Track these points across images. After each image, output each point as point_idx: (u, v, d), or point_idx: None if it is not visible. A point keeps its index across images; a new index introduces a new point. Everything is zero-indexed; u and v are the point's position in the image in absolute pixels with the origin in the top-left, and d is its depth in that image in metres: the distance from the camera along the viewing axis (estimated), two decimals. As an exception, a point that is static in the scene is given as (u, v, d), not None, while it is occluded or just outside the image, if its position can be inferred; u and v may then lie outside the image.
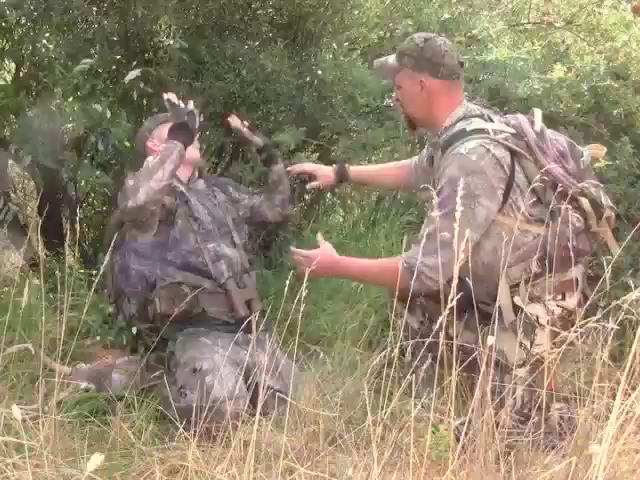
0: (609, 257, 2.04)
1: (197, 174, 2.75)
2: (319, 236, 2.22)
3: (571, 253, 2.03)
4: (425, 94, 2.21)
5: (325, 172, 2.68)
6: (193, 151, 2.62)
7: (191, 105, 2.54)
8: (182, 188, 2.59)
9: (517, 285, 2.12)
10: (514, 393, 1.99)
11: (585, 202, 2.12)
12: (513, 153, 2.11)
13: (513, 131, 2.15)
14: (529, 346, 2.09)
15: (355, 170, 2.71)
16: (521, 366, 2.07)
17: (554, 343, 2.03)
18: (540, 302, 2.11)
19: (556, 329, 2.06)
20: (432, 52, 2.19)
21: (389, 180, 2.74)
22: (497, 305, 2.04)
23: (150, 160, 2.44)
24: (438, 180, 2.14)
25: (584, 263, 2.22)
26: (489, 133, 2.11)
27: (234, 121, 2.81)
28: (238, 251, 2.59)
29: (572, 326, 1.96)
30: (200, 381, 2.19)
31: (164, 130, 2.57)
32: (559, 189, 2.08)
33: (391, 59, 2.29)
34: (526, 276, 2.08)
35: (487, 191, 2.07)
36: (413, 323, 2.30)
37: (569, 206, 2.07)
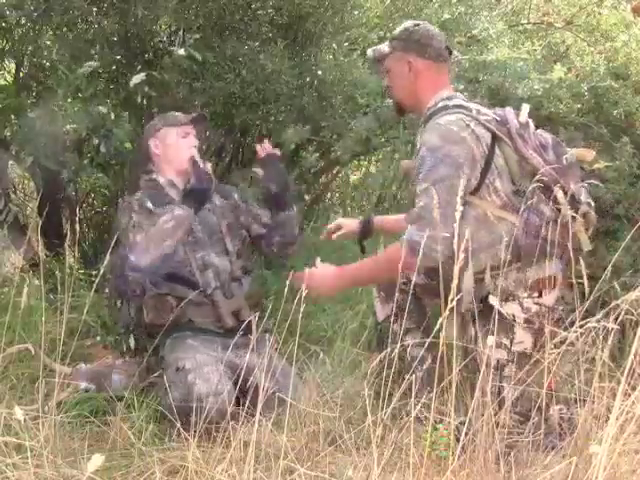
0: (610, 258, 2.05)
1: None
2: (318, 261, 2.25)
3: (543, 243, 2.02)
4: (412, 75, 2.25)
5: (351, 226, 2.68)
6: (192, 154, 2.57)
7: (208, 167, 2.53)
8: (175, 197, 2.51)
9: (483, 271, 2.09)
10: (500, 393, 2.00)
11: (560, 194, 2.08)
12: (493, 136, 2.11)
13: (498, 118, 2.16)
14: (509, 345, 2.09)
15: (378, 220, 2.70)
16: (505, 365, 2.08)
17: (554, 344, 2.03)
18: (515, 300, 2.11)
19: (536, 325, 2.07)
20: (420, 34, 2.26)
21: None
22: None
23: (163, 222, 2.36)
24: (418, 151, 2.15)
25: (564, 261, 2.16)
26: (471, 110, 2.14)
27: (262, 149, 2.69)
28: (230, 258, 2.53)
29: (553, 323, 1.98)
30: (183, 379, 2.20)
31: (171, 134, 2.54)
32: (538, 176, 2.04)
33: (383, 45, 2.34)
34: (494, 263, 2.07)
35: (469, 161, 2.06)
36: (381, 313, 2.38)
37: (543, 196, 2.08)
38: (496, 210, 2.09)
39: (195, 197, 2.45)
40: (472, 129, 2.09)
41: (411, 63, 2.24)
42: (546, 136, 2.23)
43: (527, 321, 2.09)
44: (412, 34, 2.26)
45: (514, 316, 2.10)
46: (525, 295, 2.11)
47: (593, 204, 2.18)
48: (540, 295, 2.12)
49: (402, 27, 2.32)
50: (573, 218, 2.08)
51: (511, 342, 2.09)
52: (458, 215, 1.72)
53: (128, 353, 2.55)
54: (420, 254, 1.87)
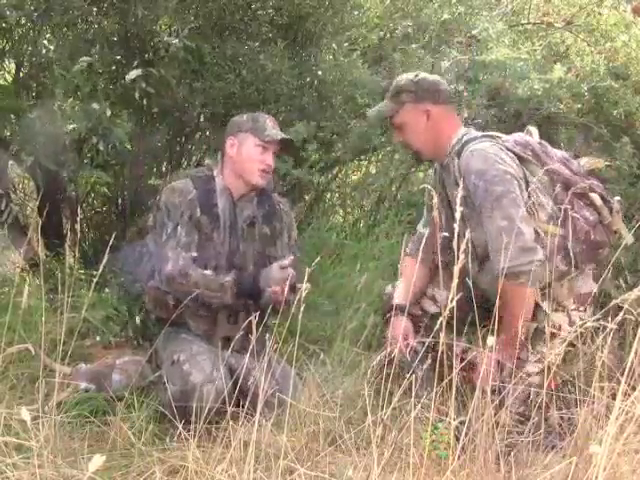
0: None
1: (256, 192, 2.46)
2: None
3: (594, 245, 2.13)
4: (431, 122, 2.28)
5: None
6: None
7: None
8: (220, 210, 2.38)
9: (545, 288, 2.13)
10: (524, 398, 2.01)
11: (595, 197, 2.19)
12: (520, 159, 2.19)
13: (516, 141, 2.24)
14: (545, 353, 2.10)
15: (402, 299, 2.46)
16: (537, 373, 2.09)
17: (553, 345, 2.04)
18: (564, 311, 2.14)
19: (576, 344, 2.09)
20: (427, 82, 2.29)
21: (426, 276, 2.49)
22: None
23: (207, 282, 2.26)
24: (462, 180, 2.12)
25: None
26: (497, 139, 2.22)
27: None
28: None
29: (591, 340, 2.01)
30: (179, 371, 2.21)
31: (249, 143, 2.38)
32: (564, 180, 2.16)
33: (386, 103, 2.35)
34: (555, 275, 2.10)
35: (517, 176, 2.13)
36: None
37: (580, 202, 2.17)
38: (543, 225, 2.13)
39: (244, 296, 2.31)
40: (505, 152, 2.16)
41: (429, 111, 2.27)
42: (560, 151, 2.32)
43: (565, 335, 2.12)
44: (419, 84, 2.28)
45: (560, 327, 2.12)
46: (573, 307, 2.16)
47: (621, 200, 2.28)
48: (585, 310, 2.19)
49: (403, 79, 2.32)
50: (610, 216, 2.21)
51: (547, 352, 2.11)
52: (463, 246, 1.70)
53: (134, 336, 2.56)
54: (530, 274, 1.98)
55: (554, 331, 2.12)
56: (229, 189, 2.42)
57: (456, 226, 1.74)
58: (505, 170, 2.10)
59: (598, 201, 2.19)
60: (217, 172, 2.44)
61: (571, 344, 2.07)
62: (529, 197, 2.13)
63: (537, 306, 2.14)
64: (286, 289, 2.18)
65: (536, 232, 2.11)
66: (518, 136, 2.28)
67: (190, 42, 2.87)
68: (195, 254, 2.31)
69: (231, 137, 2.41)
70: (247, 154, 2.38)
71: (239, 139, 2.39)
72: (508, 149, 2.19)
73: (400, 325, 2.33)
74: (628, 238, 2.21)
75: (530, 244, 2.05)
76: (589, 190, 2.19)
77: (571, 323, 2.14)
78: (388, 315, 2.40)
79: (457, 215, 1.72)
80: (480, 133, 2.28)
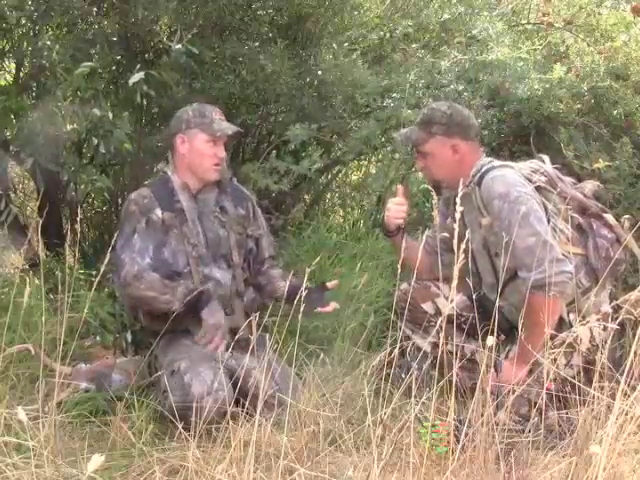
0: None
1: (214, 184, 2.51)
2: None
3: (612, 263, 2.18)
4: (458, 157, 2.32)
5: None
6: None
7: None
8: (184, 204, 2.42)
9: (571, 303, 2.22)
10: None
11: (609, 217, 2.30)
12: (537, 188, 2.25)
13: (533, 169, 2.31)
14: (562, 366, 2.12)
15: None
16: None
17: (553, 345, 2.04)
18: (586, 325, 2.15)
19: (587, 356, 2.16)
20: (460, 116, 2.33)
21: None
22: None
23: (160, 286, 2.28)
24: (485, 207, 2.25)
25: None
26: (514, 168, 2.29)
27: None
28: (234, 272, 2.46)
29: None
30: (179, 381, 2.19)
31: (201, 138, 2.39)
32: (579, 205, 2.29)
33: (416, 130, 2.37)
34: (580, 290, 2.21)
35: (537, 198, 2.22)
36: (425, 345, 2.31)
37: (597, 222, 2.28)
38: (564, 246, 2.21)
39: (204, 308, 2.29)
40: (524, 179, 2.24)
41: (457, 146, 2.31)
42: (569, 178, 2.43)
43: (588, 350, 2.18)
44: (452, 117, 2.31)
45: (580, 340, 2.14)
46: (596, 323, 2.16)
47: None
48: (605, 329, 2.18)
49: (436, 110, 2.34)
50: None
51: (565, 364, 2.17)
52: (463, 246, 1.70)
53: (127, 350, 2.55)
54: (559, 289, 2.07)
55: (575, 344, 2.12)
56: (187, 184, 2.45)
57: (456, 226, 1.74)
58: (526, 192, 2.18)
59: (613, 221, 2.30)
60: (171, 171, 2.47)
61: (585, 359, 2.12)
62: (548, 221, 2.21)
63: (561, 320, 2.20)
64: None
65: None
66: (532, 163, 2.36)
67: (192, 47, 2.86)
68: (148, 260, 2.32)
69: (179, 135, 2.43)
70: (198, 151, 2.41)
71: (188, 136, 2.41)
72: (525, 177, 2.25)
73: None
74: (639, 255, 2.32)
75: (559, 256, 2.12)
76: (602, 211, 2.31)
77: (592, 338, 2.19)
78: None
79: (457, 215, 1.72)
80: (499, 162, 2.33)
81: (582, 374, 2.07)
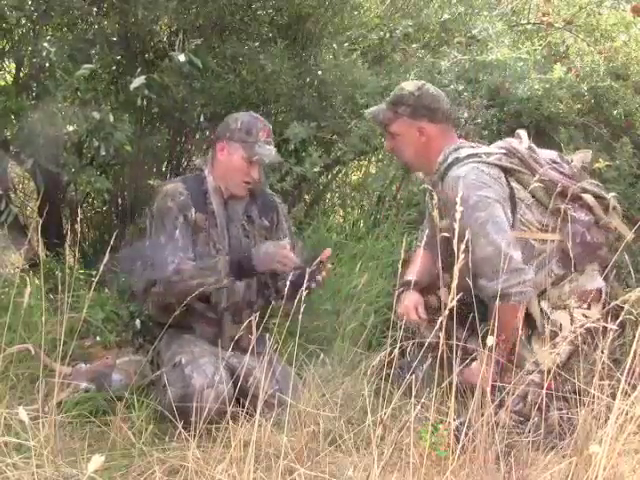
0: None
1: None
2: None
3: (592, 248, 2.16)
4: (424, 139, 2.27)
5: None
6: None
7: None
8: (214, 208, 2.41)
9: (544, 291, 2.18)
10: (522, 395, 2.01)
11: (589, 197, 2.19)
12: (507, 171, 2.18)
13: (504, 151, 2.22)
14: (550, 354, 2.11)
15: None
16: (537, 371, 2.09)
17: (554, 344, 2.05)
18: (566, 309, 2.14)
19: (577, 343, 2.10)
20: (428, 99, 2.26)
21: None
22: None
23: (200, 270, 2.28)
24: (445, 208, 2.18)
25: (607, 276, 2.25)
26: (481, 157, 2.19)
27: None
28: (249, 281, 2.43)
29: (592, 338, 2.01)
30: (180, 374, 2.21)
31: (238, 154, 2.36)
32: (558, 189, 2.14)
33: (384, 109, 2.33)
34: (551, 280, 2.15)
35: (500, 199, 2.14)
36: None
37: (575, 204, 2.17)
38: (535, 234, 2.17)
39: (241, 273, 2.31)
40: (487, 173, 2.15)
41: (423, 129, 2.26)
42: (550, 152, 2.31)
43: (569, 334, 2.11)
44: (420, 99, 2.25)
45: (561, 326, 2.12)
46: (576, 305, 2.17)
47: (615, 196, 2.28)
48: (589, 307, 2.19)
49: (405, 90, 2.28)
50: (606, 214, 2.21)
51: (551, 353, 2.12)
52: (463, 247, 1.70)
53: (134, 340, 2.57)
54: (519, 299, 2.03)
55: (554, 329, 2.13)
56: (220, 189, 2.43)
57: (456, 226, 1.74)
58: (486, 195, 2.10)
59: (591, 201, 2.19)
60: (207, 172, 2.46)
61: (572, 343, 2.08)
62: (514, 216, 2.15)
63: (529, 314, 2.16)
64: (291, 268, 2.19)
65: (530, 244, 2.15)
66: (505, 143, 2.26)
67: (195, 58, 2.84)
68: (192, 255, 2.32)
69: (221, 142, 2.41)
70: (234, 165, 2.39)
71: (229, 146, 2.39)
72: (494, 165, 2.17)
73: (410, 298, 2.35)
74: (627, 233, 2.21)
75: (519, 265, 2.07)
76: (581, 191, 2.19)
77: (573, 321, 2.15)
78: (399, 291, 2.38)
79: (457, 215, 1.72)
80: (466, 151, 2.23)
81: (574, 358, 2.06)
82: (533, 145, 2.28)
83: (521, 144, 2.26)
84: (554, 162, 2.25)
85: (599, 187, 2.27)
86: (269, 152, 2.39)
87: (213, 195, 2.42)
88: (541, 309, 2.16)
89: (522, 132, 2.31)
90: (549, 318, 2.14)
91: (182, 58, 2.80)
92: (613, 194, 2.26)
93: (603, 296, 2.22)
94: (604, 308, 2.18)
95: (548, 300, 2.16)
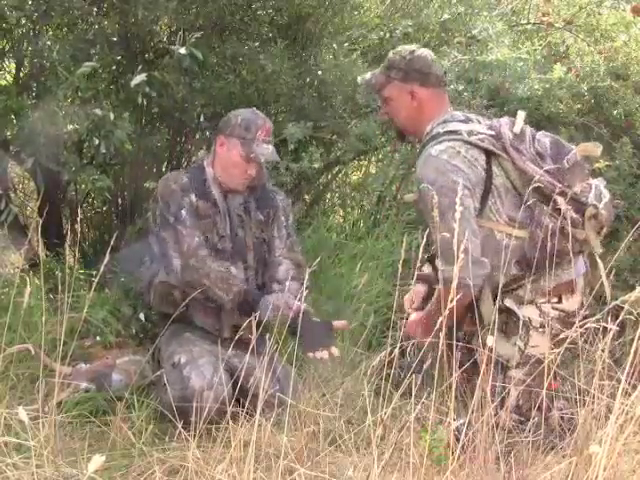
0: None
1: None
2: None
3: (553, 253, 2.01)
4: (416, 103, 2.24)
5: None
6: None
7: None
8: (216, 197, 2.45)
9: (508, 290, 2.10)
10: (509, 394, 2.00)
11: (561, 201, 2.06)
12: (489, 154, 2.10)
13: (492, 133, 2.14)
14: (523, 347, 2.09)
15: None
16: (517, 367, 2.07)
17: (554, 343, 2.04)
18: (533, 304, 2.11)
19: (553, 330, 2.06)
20: (420, 62, 2.24)
21: None
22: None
23: (217, 278, 2.31)
24: (416, 182, 2.15)
25: (588, 264, 2.19)
26: (462, 134, 2.12)
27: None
28: (248, 273, 2.48)
29: (571, 327, 1.96)
30: (179, 375, 2.23)
31: (236, 150, 2.40)
32: (533, 185, 2.03)
33: (377, 74, 2.31)
34: (506, 280, 2.07)
35: (467, 184, 2.06)
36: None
37: (545, 207, 2.06)
38: (502, 227, 2.10)
39: (247, 312, 2.26)
40: (463, 155, 2.08)
41: (414, 92, 2.24)
42: (544, 141, 2.20)
43: (542, 325, 2.08)
44: (411, 62, 2.24)
45: (530, 319, 2.10)
46: (544, 300, 2.12)
47: (606, 200, 2.12)
48: (559, 300, 2.13)
49: (398, 55, 2.27)
50: (581, 222, 2.07)
51: (525, 345, 2.09)
52: (463, 247, 1.70)
53: (137, 334, 2.60)
54: (469, 292, 1.96)
55: (525, 320, 2.08)
56: (219, 180, 2.46)
57: (456, 226, 1.73)
58: (454, 180, 2.02)
59: (562, 206, 2.06)
60: (207, 163, 2.49)
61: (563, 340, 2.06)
62: (484, 202, 2.09)
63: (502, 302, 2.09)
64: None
65: (494, 235, 2.08)
66: (496, 124, 2.17)
67: (196, 51, 2.84)
68: (198, 239, 2.36)
69: (221, 137, 2.45)
70: (232, 160, 2.42)
71: (228, 142, 2.42)
72: (475, 145, 2.09)
73: (413, 290, 2.34)
74: (597, 248, 2.10)
75: (479, 258, 2.04)
76: (558, 193, 2.05)
77: (542, 314, 2.10)
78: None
79: (457, 215, 1.72)
80: (451, 125, 2.17)
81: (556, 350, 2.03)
82: (528, 130, 2.19)
83: (512, 127, 2.16)
84: (539, 155, 2.15)
85: (593, 187, 2.13)
86: (266, 150, 2.41)
87: (213, 185, 2.46)
88: (507, 307, 2.09)
89: (520, 113, 2.22)
90: (515, 314, 2.09)
91: (183, 51, 2.81)
92: (597, 201, 2.10)
93: (579, 286, 2.14)
94: (585, 297, 2.14)
95: (512, 298, 2.11)
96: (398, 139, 2.42)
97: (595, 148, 2.18)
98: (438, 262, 2.08)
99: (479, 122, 2.22)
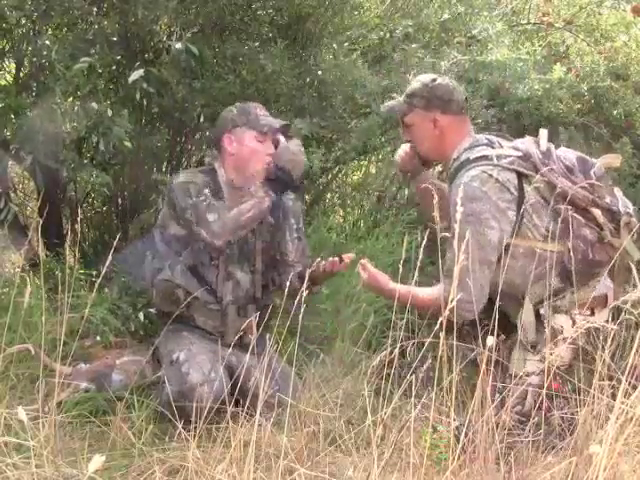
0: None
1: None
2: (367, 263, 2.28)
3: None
4: (438, 131, 2.28)
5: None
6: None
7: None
8: (228, 198, 2.43)
9: (541, 302, 2.16)
10: (522, 396, 2.00)
11: (597, 212, 2.14)
12: (520, 175, 2.15)
13: (520, 154, 2.18)
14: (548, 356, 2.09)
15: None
16: (537, 374, 2.08)
17: (554, 343, 2.04)
18: (567, 314, 2.13)
19: (579, 344, 2.08)
20: (442, 90, 2.28)
21: None
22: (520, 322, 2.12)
23: (243, 211, 2.33)
24: (452, 209, 2.15)
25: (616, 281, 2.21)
26: (492, 159, 2.17)
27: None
28: (254, 276, 2.47)
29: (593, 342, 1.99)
30: (177, 372, 2.23)
31: (248, 136, 2.41)
32: (568, 199, 2.09)
33: (399, 102, 2.36)
34: (547, 293, 2.11)
35: (495, 213, 2.11)
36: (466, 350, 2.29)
37: (582, 219, 2.12)
38: (541, 244, 2.13)
39: (281, 185, 2.37)
40: (495, 178, 2.13)
41: (436, 120, 2.27)
42: (570, 157, 2.25)
43: (574, 341, 2.06)
44: (433, 90, 2.28)
45: (562, 328, 2.12)
46: (577, 312, 2.15)
47: (631, 208, 2.21)
48: (592, 313, 2.16)
49: (419, 82, 2.32)
50: (617, 231, 2.13)
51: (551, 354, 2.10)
52: (463, 247, 1.71)
53: (137, 332, 2.61)
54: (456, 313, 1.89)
55: (556, 327, 2.11)
56: (232, 182, 2.45)
57: (456, 226, 1.74)
58: (480, 210, 2.09)
59: (600, 217, 2.13)
60: (218, 165, 2.47)
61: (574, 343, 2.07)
62: (520, 221, 2.12)
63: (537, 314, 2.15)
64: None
65: (534, 251, 2.12)
66: (521, 144, 2.22)
67: (192, 46, 2.85)
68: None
69: (227, 135, 2.43)
70: (249, 148, 2.41)
71: (235, 134, 2.42)
72: (506, 169, 2.13)
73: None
74: (635, 255, 2.15)
75: (482, 289, 2.08)
76: (592, 205, 2.13)
77: (574, 325, 2.13)
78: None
79: (457, 216, 1.73)
80: (479, 150, 2.20)
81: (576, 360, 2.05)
82: (552, 148, 2.24)
83: (538, 147, 2.22)
84: (569, 170, 2.19)
85: (615, 197, 2.20)
86: (274, 120, 2.45)
87: (225, 187, 2.44)
88: (541, 314, 2.14)
89: (543, 132, 2.27)
90: (548, 322, 2.13)
91: (179, 46, 2.81)
92: (630, 210, 2.19)
93: (610, 300, 2.19)
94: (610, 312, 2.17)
95: (548, 307, 2.15)
96: (422, 164, 2.43)
97: (616, 159, 2.29)
98: (442, 276, 2.11)
99: (501, 145, 2.25)
